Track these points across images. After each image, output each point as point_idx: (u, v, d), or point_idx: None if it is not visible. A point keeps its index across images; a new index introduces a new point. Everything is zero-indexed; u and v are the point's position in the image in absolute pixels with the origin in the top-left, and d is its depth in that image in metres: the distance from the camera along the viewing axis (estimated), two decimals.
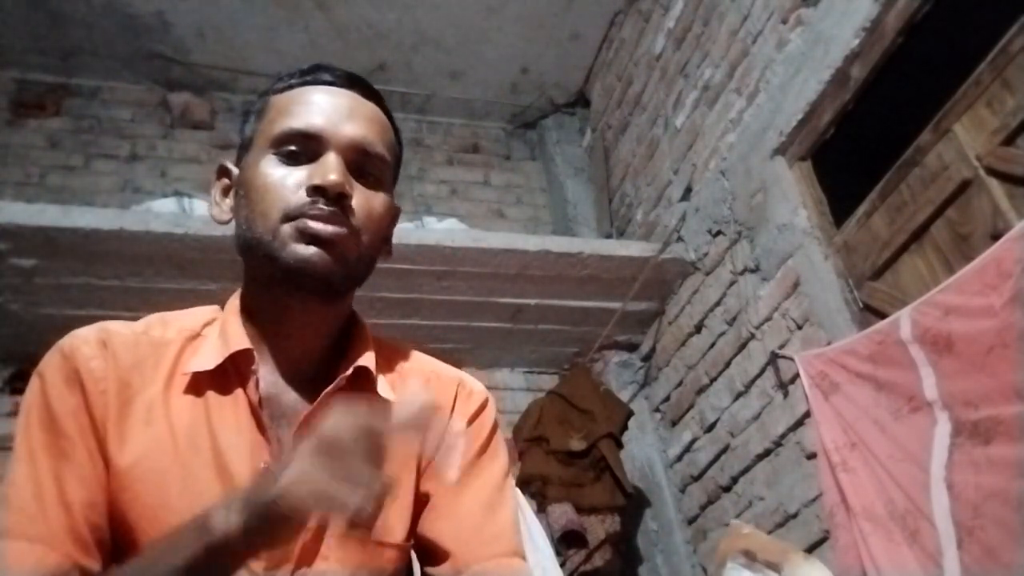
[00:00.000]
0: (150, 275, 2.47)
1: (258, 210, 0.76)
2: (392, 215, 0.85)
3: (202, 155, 3.45)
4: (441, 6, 3.38)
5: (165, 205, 2.74)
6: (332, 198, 0.74)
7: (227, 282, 2.19)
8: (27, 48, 3.29)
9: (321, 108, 0.79)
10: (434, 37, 3.52)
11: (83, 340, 0.76)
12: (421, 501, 0.81)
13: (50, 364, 0.75)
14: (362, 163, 0.79)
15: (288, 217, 0.74)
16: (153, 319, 0.82)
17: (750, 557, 1.68)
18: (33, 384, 0.75)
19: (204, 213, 2.71)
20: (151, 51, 3.40)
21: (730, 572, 1.69)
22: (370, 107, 0.83)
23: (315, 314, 0.79)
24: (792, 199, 2.32)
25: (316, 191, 0.74)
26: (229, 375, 0.77)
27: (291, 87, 0.82)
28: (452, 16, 3.43)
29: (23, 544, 0.66)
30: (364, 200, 0.78)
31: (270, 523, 0.59)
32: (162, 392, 0.75)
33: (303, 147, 0.77)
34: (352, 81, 0.83)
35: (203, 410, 0.75)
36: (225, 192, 0.85)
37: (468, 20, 3.46)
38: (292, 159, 0.77)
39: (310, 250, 0.73)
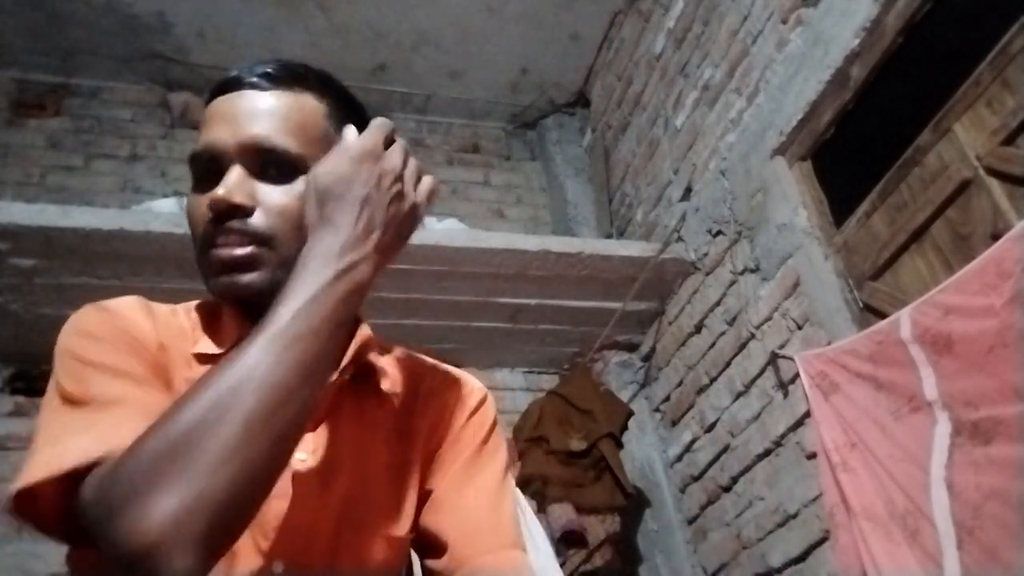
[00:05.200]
0: (150, 275, 2.47)
1: (193, 244, 0.76)
2: None
3: None
4: (441, 6, 3.38)
5: (165, 205, 2.74)
6: (224, 215, 0.72)
7: None
8: (27, 48, 3.29)
9: (218, 120, 0.76)
10: (434, 37, 3.52)
11: (123, 303, 0.75)
12: (424, 495, 0.81)
13: (86, 315, 0.72)
14: (267, 162, 0.74)
15: (203, 248, 0.74)
16: (174, 306, 0.81)
17: None
18: (62, 341, 0.70)
19: None
20: (151, 51, 3.41)
21: None
22: (268, 97, 0.76)
23: None
24: (792, 199, 2.32)
25: (211, 212, 0.72)
26: None
27: (207, 104, 0.80)
28: (452, 16, 3.43)
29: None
30: (274, 199, 0.73)
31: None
32: (181, 369, 0.74)
33: (211, 169, 0.75)
34: (250, 74, 0.77)
35: None
36: None
37: (468, 20, 3.46)
38: (205, 184, 0.75)
39: (224, 280, 0.72)
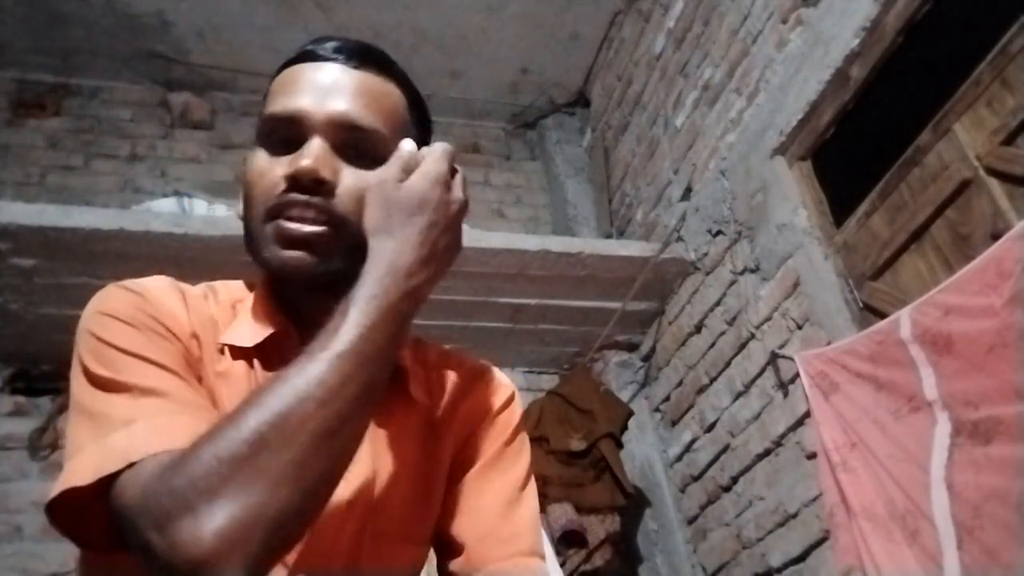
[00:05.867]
0: (150, 275, 2.47)
1: (248, 207, 0.72)
2: None
3: (202, 155, 3.45)
4: (441, 6, 3.38)
5: (165, 205, 2.74)
6: (307, 187, 0.69)
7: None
8: (27, 48, 3.29)
9: (303, 87, 0.73)
10: (434, 37, 3.52)
11: (155, 286, 0.72)
12: (445, 493, 0.80)
13: (113, 296, 0.69)
14: (352, 140, 0.72)
15: (269, 215, 0.70)
16: (205, 287, 0.79)
17: None
18: (85, 323, 0.67)
19: (204, 213, 2.72)
20: (151, 51, 3.40)
21: None
22: (360, 76, 0.74)
23: (331, 304, 0.77)
24: (792, 199, 2.32)
25: (291, 181, 0.69)
26: (271, 355, 0.73)
27: (284, 68, 0.77)
28: (452, 16, 3.43)
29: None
30: (355, 182, 0.71)
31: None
32: (214, 360, 0.72)
33: (289, 133, 0.72)
34: (340, 50, 0.75)
35: (244, 388, 0.71)
36: None
37: (468, 20, 3.46)
38: (280, 148, 0.72)
39: (287, 254, 0.69)
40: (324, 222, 0.69)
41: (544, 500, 2.57)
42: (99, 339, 0.65)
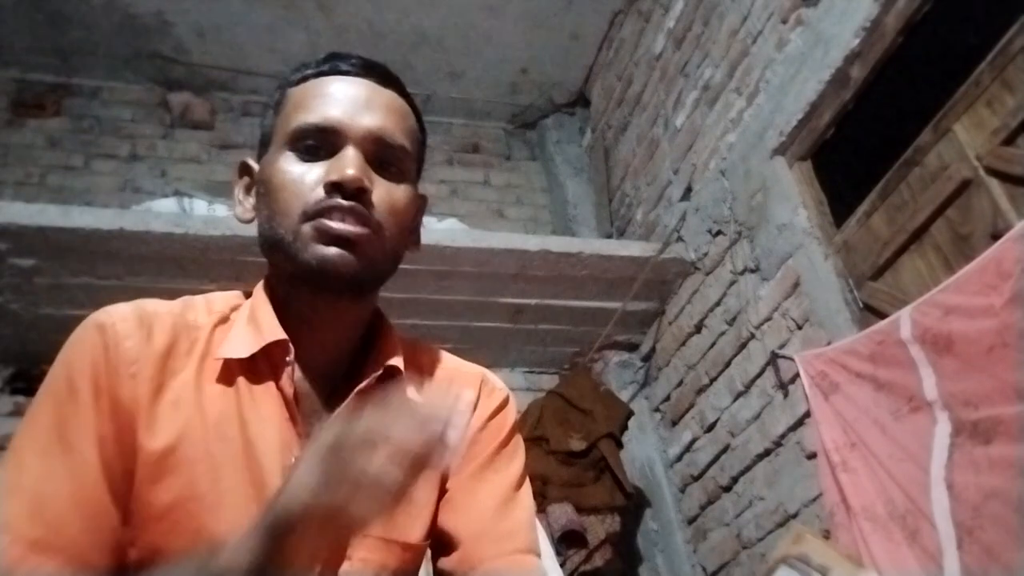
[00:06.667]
0: (150, 275, 2.47)
1: (279, 209, 0.74)
2: (417, 206, 0.83)
3: (202, 155, 3.45)
4: (441, 6, 3.38)
5: (165, 205, 2.73)
6: (350, 194, 0.72)
7: (227, 282, 2.19)
8: (27, 48, 3.29)
9: (337, 100, 0.77)
10: (434, 37, 3.52)
11: (120, 317, 0.74)
12: (441, 497, 0.80)
13: (82, 339, 0.73)
14: (382, 155, 0.77)
15: (308, 216, 0.73)
16: (186, 300, 0.80)
17: (804, 560, 1.67)
18: (60, 356, 0.73)
19: (204, 213, 2.72)
20: (151, 51, 3.41)
21: (780, 574, 1.68)
22: (388, 95, 0.80)
23: (343, 312, 0.79)
24: (792, 199, 2.32)
25: (334, 187, 0.73)
26: (261, 365, 0.75)
27: (307, 78, 0.80)
28: (452, 16, 3.43)
29: (20, 548, 0.64)
30: (386, 193, 0.76)
31: (279, 542, 0.57)
32: (194, 378, 0.73)
33: (320, 141, 0.75)
34: (368, 69, 0.80)
35: (234, 399, 0.73)
36: (248, 190, 0.83)
37: (468, 20, 3.46)
38: (310, 154, 0.75)
39: (331, 251, 0.72)
40: (365, 225, 0.73)
41: (544, 500, 2.57)
42: (48, 385, 0.72)
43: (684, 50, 3.00)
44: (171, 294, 0.84)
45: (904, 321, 1.70)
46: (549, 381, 3.12)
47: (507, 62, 3.69)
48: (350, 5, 3.33)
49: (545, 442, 2.66)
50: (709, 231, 2.73)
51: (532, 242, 2.80)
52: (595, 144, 3.78)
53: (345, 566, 0.71)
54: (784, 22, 2.37)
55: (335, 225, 0.72)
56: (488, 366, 0.94)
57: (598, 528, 2.58)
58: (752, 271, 2.49)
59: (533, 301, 2.89)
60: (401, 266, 0.82)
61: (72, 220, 2.35)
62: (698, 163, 2.85)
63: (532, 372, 3.22)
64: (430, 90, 3.75)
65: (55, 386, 0.72)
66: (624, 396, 3.00)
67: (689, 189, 2.91)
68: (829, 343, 2.04)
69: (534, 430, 2.69)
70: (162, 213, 2.56)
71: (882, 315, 1.91)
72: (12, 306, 2.49)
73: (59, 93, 3.39)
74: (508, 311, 2.92)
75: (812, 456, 2.09)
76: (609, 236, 3.46)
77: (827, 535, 1.93)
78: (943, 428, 1.58)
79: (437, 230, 2.82)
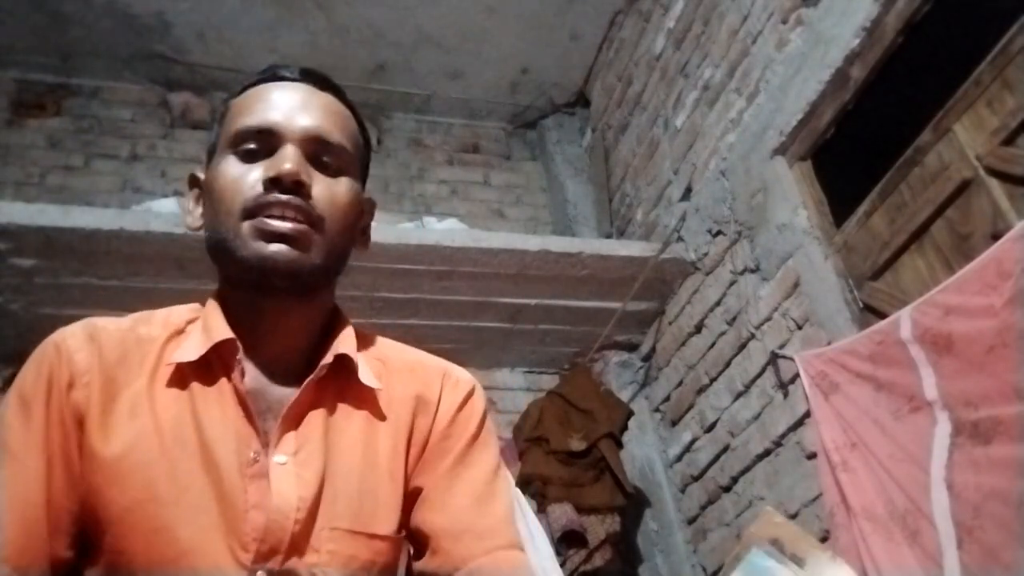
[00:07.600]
0: (150, 275, 2.47)
1: (220, 210, 0.76)
2: (361, 205, 0.84)
3: (202, 155, 3.42)
4: (441, 6, 3.38)
5: (165, 205, 2.73)
6: (288, 188, 0.74)
7: None
8: (27, 48, 3.30)
9: (275, 104, 0.79)
10: (434, 37, 3.52)
11: (70, 333, 0.77)
12: (413, 493, 0.80)
13: (37, 358, 0.76)
14: (320, 153, 0.79)
15: (248, 214, 0.74)
16: (139, 316, 0.82)
17: (777, 546, 1.66)
18: (18, 375, 0.76)
19: None
20: (151, 51, 3.41)
21: (754, 557, 1.67)
22: (326, 98, 0.83)
23: (291, 309, 0.79)
24: (792, 199, 2.32)
25: (272, 183, 0.74)
26: (213, 366, 0.76)
27: (247, 88, 0.83)
28: (452, 16, 3.43)
29: None
30: (326, 188, 0.78)
31: None
32: (147, 386, 0.75)
33: (260, 143, 0.77)
34: (306, 75, 0.83)
35: (188, 402, 0.74)
36: (197, 200, 0.85)
37: (468, 20, 3.46)
38: (250, 157, 0.77)
39: (271, 247, 0.73)
40: (304, 220, 0.75)
41: (544, 500, 2.57)
42: (8, 401, 0.74)
43: (684, 50, 3.00)
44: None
45: (904, 321, 1.69)
46: (549, 381, 3.12)
47: (507, 62, 3.69)
48: (350, 5, 3.34)
49: (545, 442, 2.66)
50: (709, 231, 2.73)
51: (532, 242, 2.80)
52: (595, 144, 3.78)
53: (313, 558, 0.71)
54: (784, 22, 2.37)
55: (274, 223, 0.73)
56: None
57: (598, 528, 2.58)
58: (752, 271, 2.49)
59: (533, 301, 2.89)
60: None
61: (72, 220, 2.35)
62: (698, 163, 2.85)
63: (532, 372, 3.22)
64: (430, 90, 3.76)
65: (9, 400, 0.74)
66: (624, 396, 3.00)
67: (689, 189, 2.91)
68: (829, 343, 2.04)
69: (534, 430, 2.69)
70: (162, 213, 2.56)
71: (882, 315, 1.91)
72: (12, 306, 2.49)
73: (59, 93, 3.39)
74: (508, 311, 2.92)
75: (812, 456, 2.09)
76: (609, 236, 3.46)
77: (827, 535, 1.94)
78: (943, 428, 1.58)
79: (437, 230, 2.82)
